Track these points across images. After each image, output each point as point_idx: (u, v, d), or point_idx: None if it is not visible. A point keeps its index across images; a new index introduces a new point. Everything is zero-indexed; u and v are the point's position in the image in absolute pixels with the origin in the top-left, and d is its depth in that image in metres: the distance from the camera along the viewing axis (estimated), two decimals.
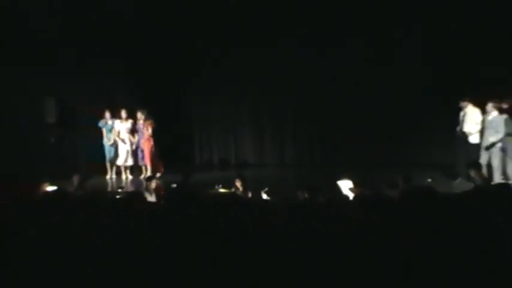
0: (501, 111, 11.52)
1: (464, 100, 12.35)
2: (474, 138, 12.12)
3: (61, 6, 14.36)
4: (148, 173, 14.23)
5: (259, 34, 16.01)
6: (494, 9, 13.39)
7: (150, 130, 14.77)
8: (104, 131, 15.04)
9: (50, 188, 8.63)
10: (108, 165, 15.22)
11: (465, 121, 12.31)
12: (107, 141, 15.03)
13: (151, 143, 14.79)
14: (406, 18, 14.80)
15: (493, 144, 11.43)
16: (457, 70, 14.02)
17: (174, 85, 17.12)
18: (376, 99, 15.18)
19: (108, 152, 15.09)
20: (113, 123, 15.01)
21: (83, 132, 15.27)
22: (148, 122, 14.79)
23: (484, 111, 11.88)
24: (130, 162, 15.14)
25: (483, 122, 11.90)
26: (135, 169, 15.24)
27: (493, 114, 11.57)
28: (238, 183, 10.05)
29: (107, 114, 14.95)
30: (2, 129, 13.00)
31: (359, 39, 15.28)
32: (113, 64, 15.53)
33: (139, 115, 14.86)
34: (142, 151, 14.92)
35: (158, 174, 14.09)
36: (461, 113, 12.42)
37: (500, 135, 11.35)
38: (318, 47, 15.74)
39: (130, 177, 15.07)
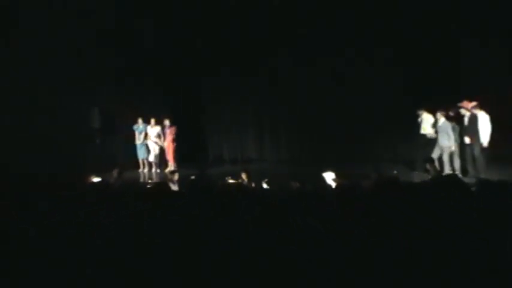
0: (448, 118, 11.72)
1: (420, 109, 12.51)
2: (431, 137, 12.26)
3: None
4: (172, 168, 14.31)
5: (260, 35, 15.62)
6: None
7: (174, 134, 14.96)
8: (136, 133, 15.25)
9: (96, 179, 8.68)
10: (140, 161, 15.39)
11: (422, 125, 12.44)
12: (138, 142, 15.23)
13: (175, 144, 14.94)
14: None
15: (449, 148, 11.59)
16: (417, 81, 14.00)
17: (191, 96, 17.11)
18: (355, 107, 15.04)
19: (140, 151, 15.27)
20: (144, 127, 15.20)
21: (120, 136, 15.38)
22: (173, 127, 14.98)
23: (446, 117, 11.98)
24: (157, 159, 15.26)
25: (434, 126, 12.02)
26: (162, 165, 15.26)
27: (442, 120, 11.71)
28: (243, 175, 10.03)
29: (140, 120, 15.19)
30: (59, 132, 13.01)
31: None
32: (143, 79, 15.59)
33: (166, 122, 15.06)
34: (167, 151, 15.09)
35: (168, 169, 14.51)
36: (419, 119, 12.55)
37: (452, 141, 11.51)
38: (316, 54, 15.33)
39: (158, 171, 15.10)
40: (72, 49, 13.38)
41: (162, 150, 15.22)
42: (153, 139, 15.00)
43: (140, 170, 15.32)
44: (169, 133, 14.96)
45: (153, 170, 15.23)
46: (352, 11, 14.39)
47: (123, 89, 15.06)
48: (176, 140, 15.01)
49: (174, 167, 14.58)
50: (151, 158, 15.22)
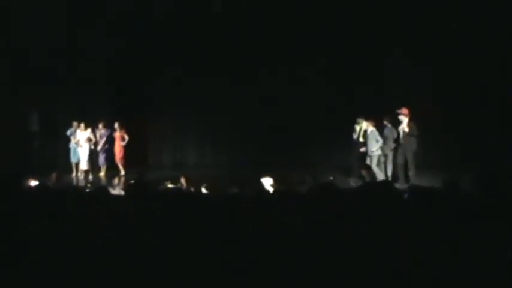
0: (377, 126, 12.11)
1: (360, 117, 12.69)
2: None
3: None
4: (122, 172, 14.34)
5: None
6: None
7: (126, 138, 14.78)
8: (71, 137, 14.65)
9: (33, 183, 8.47)
10: (73, 165, 14.75)
11: (361, 134, 12.61)
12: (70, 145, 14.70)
13: (123, 148, 14.77)
14: None
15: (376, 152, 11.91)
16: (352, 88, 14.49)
17: (134, 102, 16.74)
18: (293, 114, 15.27)
19: (73, 155, 14.65)
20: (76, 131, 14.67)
21: (59, 139, 14.98)
22: (123, 131, 14.77)
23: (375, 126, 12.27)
24: (87, 165, 14.66)
25: (364, 134, 12.37)
26: (112, 168, 14.85)
27: (370, 128, 12.09)
28: (183, 180, 9.99)
29: (74, 124, 14.58)
30: None
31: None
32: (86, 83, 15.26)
33: (100, 125, 14.74)
34: (109, 154, 14.84)
35: (123, 172, 14.34)
36: (358, 127, 12.70)
37: (378, 146, 11.87)
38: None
39: (90, 177, 14.64)
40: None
41: (97, 154, 14.84)
42: (82, 143, 14.55)
43: (73, 174, 14.71)
44: (118, 137, 14.72)
45: (81, 175, 14.65)
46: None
47: (64, 92, 14.73)
48: (125, 144, 14.84)
49: (124, 171, 14.48)
50: (83, 165, 14.63)
